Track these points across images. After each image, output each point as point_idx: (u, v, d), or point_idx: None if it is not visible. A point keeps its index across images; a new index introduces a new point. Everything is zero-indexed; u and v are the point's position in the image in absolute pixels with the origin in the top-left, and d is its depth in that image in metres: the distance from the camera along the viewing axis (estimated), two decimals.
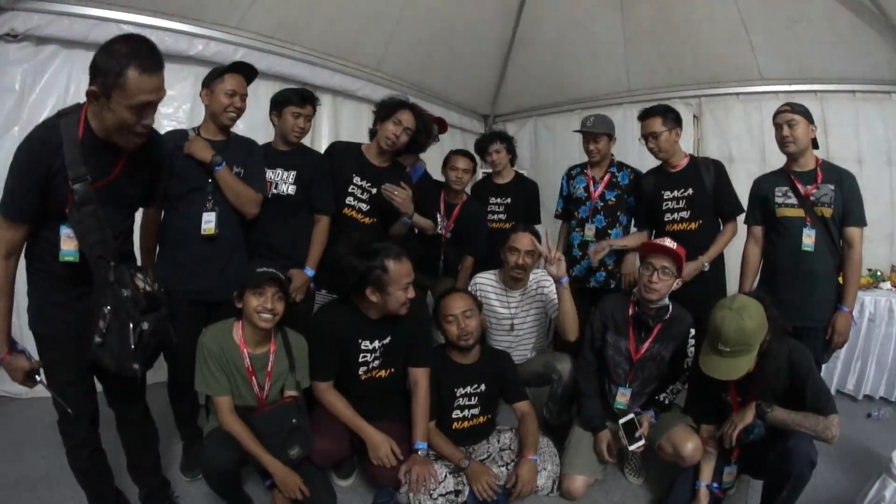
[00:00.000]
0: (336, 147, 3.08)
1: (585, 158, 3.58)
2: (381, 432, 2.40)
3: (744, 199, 3.05)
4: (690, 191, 3.11)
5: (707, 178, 3.13)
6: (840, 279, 2.78)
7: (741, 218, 3.07)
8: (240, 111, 2.54)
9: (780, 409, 2.20)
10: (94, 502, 2.13)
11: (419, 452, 2.39)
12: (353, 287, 2.38)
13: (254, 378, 2.31)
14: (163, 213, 2.52)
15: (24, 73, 3.18)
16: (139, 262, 2.31)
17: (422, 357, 2.56)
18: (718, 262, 3.16)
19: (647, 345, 2.64)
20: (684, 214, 3.12)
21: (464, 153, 3.62)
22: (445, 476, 2.37)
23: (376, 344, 2.50)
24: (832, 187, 2.72)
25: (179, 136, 2.50)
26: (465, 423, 2.62)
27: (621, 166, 3.52)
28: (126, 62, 1.60)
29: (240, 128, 2.73)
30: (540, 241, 2.75)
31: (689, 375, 2.60)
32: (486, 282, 3.09)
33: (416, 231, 3.47)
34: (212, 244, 2.46)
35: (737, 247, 3.12)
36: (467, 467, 2.43)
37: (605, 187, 3.48)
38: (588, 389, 2.74)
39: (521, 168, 4.66)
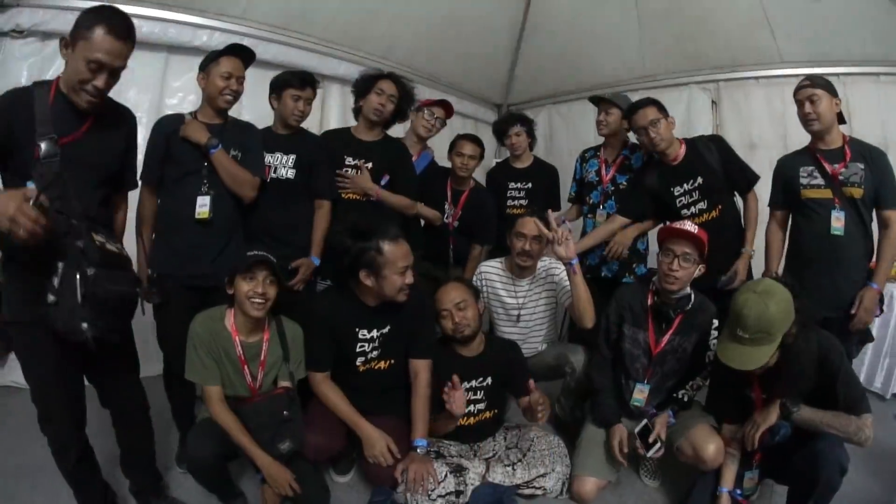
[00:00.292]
0: (327, 135, 2.95)
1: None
2: (378, 428, 2.20)
3: (767, 187, 2.77)
4: (700, 179, 2.84)
5: (711, 158, 2.86)
6: (872, 265, 2.50)
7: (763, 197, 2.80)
8: (236, 94, 2.41)
9: (807, 408, 1.94)
10: (81, 499, 2.01)
11: (418, 450, 2.18)
12: (347, 270, 2.19)
13: (246, 367, 2.16)
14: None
15: (31, 69, 3.08)
16: (136, 250, 2.25)
17: (423, 348, 2.35)
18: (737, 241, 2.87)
19: (667, 337, 2.39)
20: (702, 205, 2.85)
21: (470, 138, 3.38)
22: (446, 475, 2.14)
23: (374, 333, 2.30)
24: (861, 166, 2.45)
25: (176, 119, 2.40)
26: (471, 419, 2.40)
27: (635, 148, 3.23)
28: (98, 20, 1.67)
29: (246, 118, 2.66)
30: (548, 226, 2.49)
31: (711, 370, 2.34)
32: (491, 270, 2.86)
33: (423, 222, 3.27)
34: (206, 229, 2.34)
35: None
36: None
37: (617, 171, 3.22)
38: (602, 384, 2.49)
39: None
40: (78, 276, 1.60)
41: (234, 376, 2.17)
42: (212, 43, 3.40)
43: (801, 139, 2.71)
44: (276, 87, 2.69)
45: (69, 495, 2.01)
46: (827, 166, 2.49)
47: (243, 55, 2.44)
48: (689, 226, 2.34)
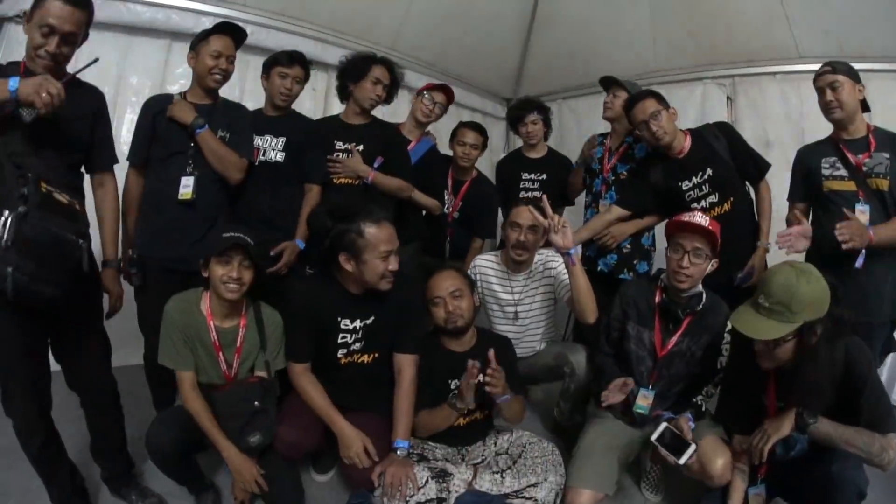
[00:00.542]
0: (317, 123, 2.76)
1: None
2: (359, 426, 1.98)
3: (785, 184, 2.52)
4: (709, 171, 2.57)
5: (719, 147, 2.59)
6: None
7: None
8: (226, 73, 2.31)
9: (826, 420, 1.67)
10: (49, 484, 1.88)
11: (398, 452, 1.95)
12: (327, 254, 1.99)
13: (221, 354, 2.00)
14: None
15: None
16: (121, 230, 2.17)
17: (408, 342, 2.12)
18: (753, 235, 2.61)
19: (674, 339, 2.14)
20: (713, 198, 2.58)
21: (473, 126, 3.17)
22: (427, 481, 1.90)
23: (357, 324, 2.09)
24: (887, 155, 2.20)
25: (164, 100, 2.31)
26: (461, 420, 2.16)
27: (639, 137, 2.96)
28: None
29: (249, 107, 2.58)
30: (543, 214, 2.24)
31: (723, 376, 2.09)
32: (486, 264, 2.63)
33: (424, 212, 3.05)
34: (189, 210, 2.22)
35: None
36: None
37: (619, 159, 2.96)
38: (604, 362, 2.26)
39: None
40: (7, 214, 1.45)
41: (208, 363, 2.00)
42: None
43: (818, 137, 2.46)
44: (266, 67, 2.58)
45: None
46: (850, 157, 2.24)
47: (234, 34, 2.33)
48: (700, 218, 2.08)
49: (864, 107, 2.32)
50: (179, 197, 2.20)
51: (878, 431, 1.62)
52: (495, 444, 2.19)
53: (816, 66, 3.68)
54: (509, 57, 4.75)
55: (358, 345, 2.12)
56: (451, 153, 3.24)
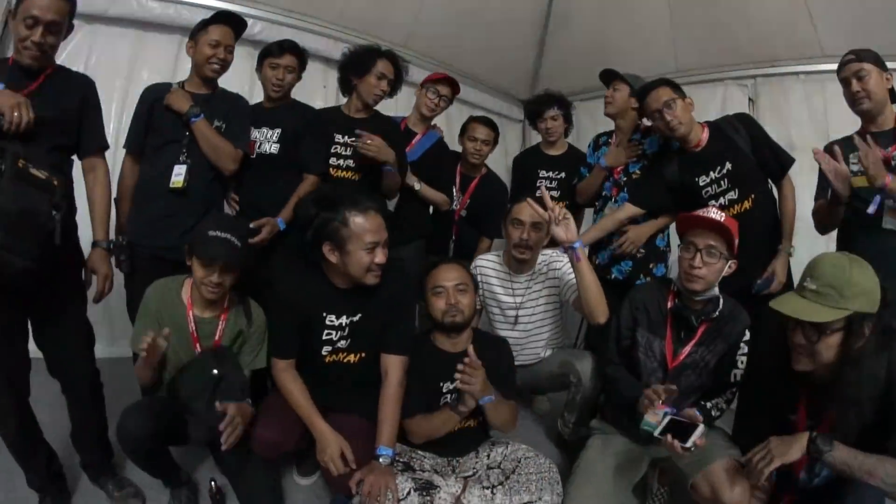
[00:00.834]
0: (317, 112, 2.60)
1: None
2: (342, 429, 1.78)
3: (810, 189, 2.26)
4: (728, 165, 2.30)
5: (740, 140, 2.32)
6: None
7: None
8: (224, 63, 2.25)
9: (843, 448, 1.39)
10: (25, 469, 1.81)
11: (381, 460, 1.73)
12: (311, 243, 1.80)
13: (198, 346, 1.86)
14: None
15: (90, 50, 2.96)
16: (114, 218, 2.13)
17: (396, 342, 1.90)
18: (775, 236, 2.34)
19: (687, 348, 1.88)
20: (732, 195, 2.31)
21: (484, 121, 2.98)
22: (409, 493, 1.67)
23: (343, 320, 1.89)
24: None
25: (162, 88, 2.23)
26: (454, 426, 1.92)
27: (648, 132, 2.69)
28: None
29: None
30: (543, 206, 2.00)
31: (740, 389, 1.83)
32: (488, 264, 2.40)
33: (431, 208, 2.85)
34: (181, 199, 2.14)
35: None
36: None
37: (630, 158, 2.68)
38: (617, 373, 1.97)
39: None
40: None
41: (182, 352, 1.84)
42: None
43: None
44: (259, 59, 2.51)
45: None
46: (879, 151, 1.97)
47: (234, 24, 2.26)
48: (714, 213, 1.84)
49: (893, 97, 2.08)
50: (171, 185, 2.12)
51: None
52: (488, 456, 1.94)
53: None
54: (524, 57, 4.51)
55: (343, 343, 1.92)
56: (460, 149, 3.03)
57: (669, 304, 1.93)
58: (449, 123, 3.67)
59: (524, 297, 2.34)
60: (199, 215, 2.12)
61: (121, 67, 3.01)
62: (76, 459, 1.95)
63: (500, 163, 3.55)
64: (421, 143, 2.75)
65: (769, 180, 2.39)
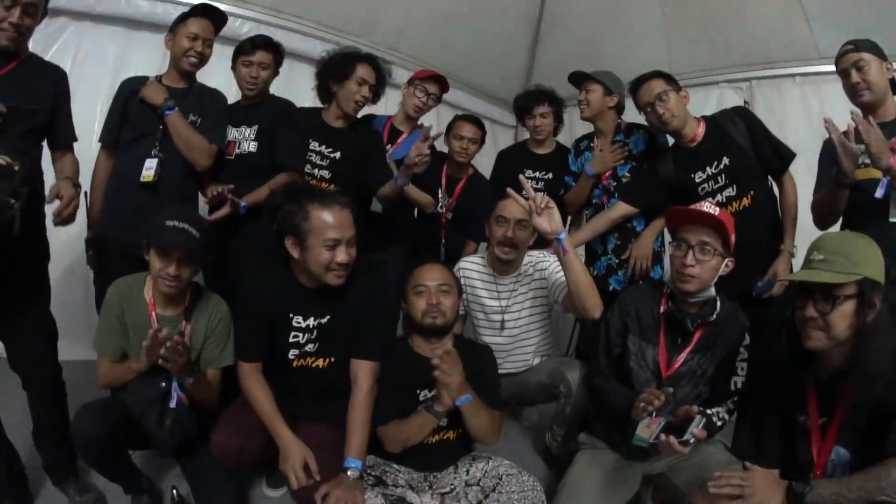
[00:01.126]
0: (297, 111, 2.46)
1: None
2: (309, 439, 1.61)
3: (808, 189, 2.08)
4: (726, 160, 2.13)
5: (738, 134, 2.15)
6: None
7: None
8: (202, 57, 2.15)
9: (825, 482, 1.29)
10: None
11: (349, 473, 1.54)
12: (275, 237, 1.65)
13: None
14: None
15: (34, 45, 2.63)
16: (87, 210, 2.06)
17: (367, 346, 1.71)
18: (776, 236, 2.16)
19: (683, 356, 1.69)
20: (730, 192, 2.13)
21: (471, 119, 2.79)
22: None
23: (311, 322, 1.72)
24: None
25: (139, 81, 2.14)
26: (432, 438, 1.74)
27: (630, 130, 2.51)
28: None
29: None
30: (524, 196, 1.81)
31: (741, 396, 1.66)
32: (471, 266, 2.22)
33: (416, 211, 2.67)
34: (151, 194, 2.05)
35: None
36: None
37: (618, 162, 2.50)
38: (606, 384, 1.78)
39: None
40: None
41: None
42: None
43: None
44: (233, 58, 2.36)
45: None
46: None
47: (213, 17, 2.17)
48: (707, 206, 1.66)
49: (894, 87, 1.93)
50: (141, 179, 2.03)
51: None
52: (468, 472, 1.73)
53: None
54: (516, 60, 4.33)
55: (311, 346, 1.75)
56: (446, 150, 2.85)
57: (662, 308, 1.75)
58: (439, 127, 3.50)
59: (509, 300, 2.15)
60: None
61: (108, 65, 2.91)
62: (40, 462, 1.84)
63: (490, 168, 3.38)
64: (406, 143, 2.55)
65: (769, 177, 2.22)
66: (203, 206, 2.35)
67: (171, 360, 1.53)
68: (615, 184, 2.50)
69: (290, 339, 1.72)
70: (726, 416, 1.66)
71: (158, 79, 2.15)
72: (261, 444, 1.66)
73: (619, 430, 1.70)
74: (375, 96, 2.36)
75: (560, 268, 1.87)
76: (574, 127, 4.38)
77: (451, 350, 1.61)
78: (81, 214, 1.79)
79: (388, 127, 2.62)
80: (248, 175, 2.26)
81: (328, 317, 1.73)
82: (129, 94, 2.10)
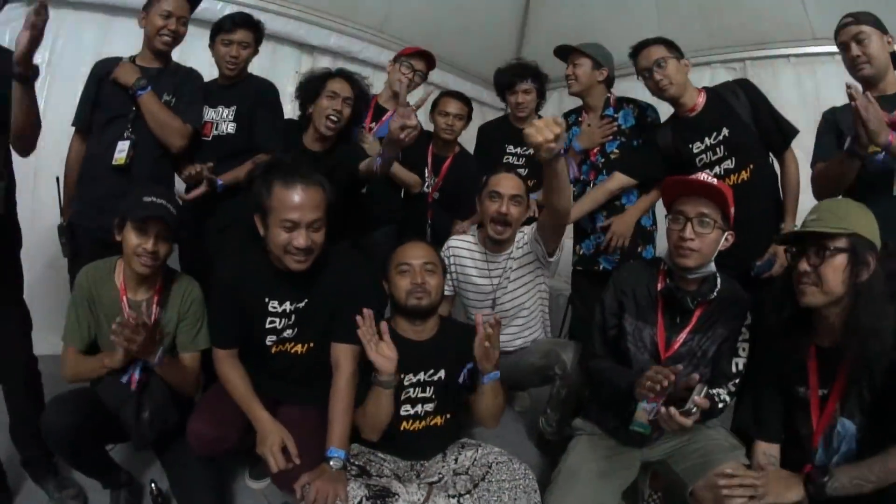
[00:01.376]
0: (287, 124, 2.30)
1: None
2: (289, 422, 1.50)
3: (804, 173, 1.99)
4: (725, 131, 2.01)
5: (739, 107, 2.03)
6: None
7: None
8: (176, 35, 2.03)
9: (846, 467, 1.26)
10: None
11: (331, 463, 1.42)
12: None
13: None
14: None
15: (13, 32, 2.59)
16: (62, 199, 2.03)
17: (348, 329, 1.56)
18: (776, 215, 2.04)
19: (683, 336, 1.57)
20: (728, 164, 2.01)
21: (456, 95, 2.65)
22: (360, 501, 1.35)
23: (287, 306, 1.60)
24: None
25: (111, 63, 2.04)
26: (418, 424, 1.63)
27: (620, 104, 2.38)
28: None
29: None
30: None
31: (745, 367, 1.56)
32: (461, 245, 2.10)
33: (402, 192, 2.55)
34: (124, 177, 1.94)
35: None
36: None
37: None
38: (602, 365, 1.66)
39: None
40: None
41: None
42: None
43: None
44: (210, 36, 2.21)
45: None
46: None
47: None
48: (706, 176, 1.56)
49: (895, 61, 1.83)
50: (113, 162, 1.93)
51: None
52: (456, 461, 1.61)
53: (833, 48, 3.20)
54: (505, 40, 4.18)
55: (290, 332, 1.63)
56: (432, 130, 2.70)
57: (660, 286, 1.63)
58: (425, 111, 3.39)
59: (501, 277, 2.04)
60: None
61: (87, 53, 2.72)
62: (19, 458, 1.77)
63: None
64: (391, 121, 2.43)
65: (770, 155, 2.10)
66: (179, 187, 2.23)
67: (127, 338, 1.41)
68: (603, 160, 2.37)
69: (267, 325, 1.61)
70: (727, 399, 1.54)
71: (132, 59, 2.05)
72: (238, 433, 1.55)
73: (615, 414, 1.60)
74: (356, 115, 2.18)
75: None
76: (564, 104, 4.28)
77: (500, 320, 1.52)
78: None
79: (374, 105, 2.50)
80: (225, 157, 2.13)
81: (305, 300, 1.61)
82: (102, 76, 2.00)
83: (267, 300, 1.59)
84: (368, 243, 2.28)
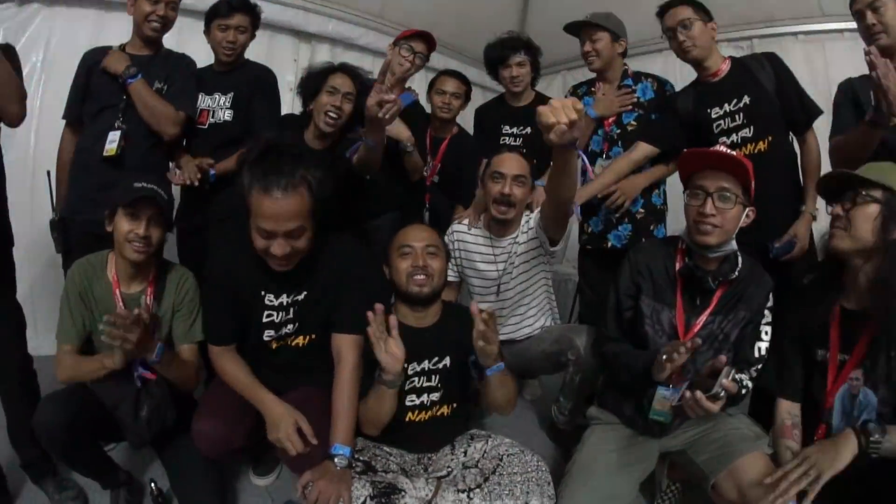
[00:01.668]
0: (285, 118, 2.23)
1: None
2: (288, 403, 1.41)
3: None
4: (747, 98, 1.90)
5: (765, 78, 1.92)
6: None
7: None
8: (165, 21, 1.95)
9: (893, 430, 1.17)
10: None
11: (336, 461, 1.32)
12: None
13: None
14: None
15: (6, 33, 2.63)
16: (54, 192, 1.95)
17: (350, 319, 1.48)
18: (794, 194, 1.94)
19: (703, 318, 1.47)
20: (746, 133, 1.90)
21: (453, 73, 2.57)
22: (365, 501, 1.26)
23: (284, 299, 1.50)
24: None
25: (100, 52, 1.98)
26: (423, 414, 1.54)
27: (639, 77, 2.27)
28: None
29: None
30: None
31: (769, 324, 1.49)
32: (465, 229, 2.00)
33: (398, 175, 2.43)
34: (115, 169, 1.86)
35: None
36: None
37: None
38: (618, 348, 1.57)
39: None
40: None
41: None
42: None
43: None
44: (206, 22, 2.13)
45: None
46: None
47: None
48: (725, 149, 1.46)
49: None
50: (104, 153, 1.86)
51: None
52: (465, 453, 1.52)
53: (842, 25, 3.08)
54: (507, 24, 3.90)
55: (290, 326, 1.55)
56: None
57: (678, 266, 1.53)
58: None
59: (507, 262, 1.94)
60: None
61: (81, 49, 2.59)
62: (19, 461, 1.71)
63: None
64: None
65: (790, 134, 1.98)
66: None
67: (120, 337, 1.33)
68: (619, 131, 2.25)
69: (264, 319, 1.52)
70: (749, 384, 1.45)
71: (122, 48, 1.97)
72: (245, 430, 1.47)
73: (632, 402, 1.50)
74: (357, 111, 2.00)
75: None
76: (568, 85, 4.15)
77: (493, 313, 1.42)
78: None
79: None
80: (222, 145, 2.05)
81: (304, 293, 1.52)
82: (92, 66, 1.94)
83: (263, 293, 1.50)
84: (371, 230, 2.18)
